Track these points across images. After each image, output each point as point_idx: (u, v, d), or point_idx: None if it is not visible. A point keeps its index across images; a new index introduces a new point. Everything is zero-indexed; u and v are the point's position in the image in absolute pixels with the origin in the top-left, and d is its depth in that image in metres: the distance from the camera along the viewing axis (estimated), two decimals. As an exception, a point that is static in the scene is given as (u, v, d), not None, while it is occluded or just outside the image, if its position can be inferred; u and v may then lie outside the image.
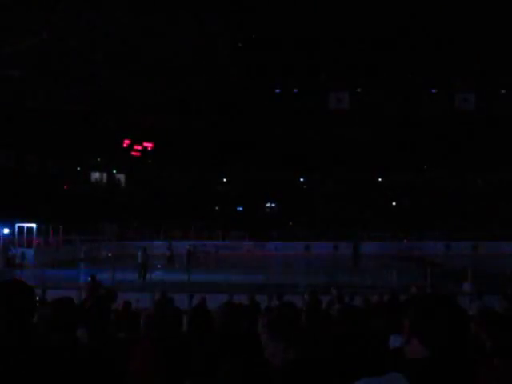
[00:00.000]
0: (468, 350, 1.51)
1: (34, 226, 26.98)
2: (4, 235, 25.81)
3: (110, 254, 24.14)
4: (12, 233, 26.38)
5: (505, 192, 39.05)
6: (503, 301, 7.09)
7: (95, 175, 43.62)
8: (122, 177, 45.43)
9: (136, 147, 42.28)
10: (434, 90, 26.60)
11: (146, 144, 42.55)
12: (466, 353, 1.49)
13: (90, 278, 13.07)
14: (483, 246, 32.80)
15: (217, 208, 42.06)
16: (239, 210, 43.54)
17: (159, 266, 22.61)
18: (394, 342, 3.93)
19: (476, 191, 42.05)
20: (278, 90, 26.91)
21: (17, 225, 26.60)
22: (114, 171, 44.72)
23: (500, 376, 1.86)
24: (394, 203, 43.04)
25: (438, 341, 1.47)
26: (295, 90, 26.91)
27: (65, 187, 38.07)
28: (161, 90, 29.00)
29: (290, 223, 37.56)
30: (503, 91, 26.24)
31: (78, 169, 41.27)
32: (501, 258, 27.17)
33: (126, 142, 41.56)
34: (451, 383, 1.43)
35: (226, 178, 45.40)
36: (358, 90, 26.57)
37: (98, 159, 42.70)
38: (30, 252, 25.84)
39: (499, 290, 9.74)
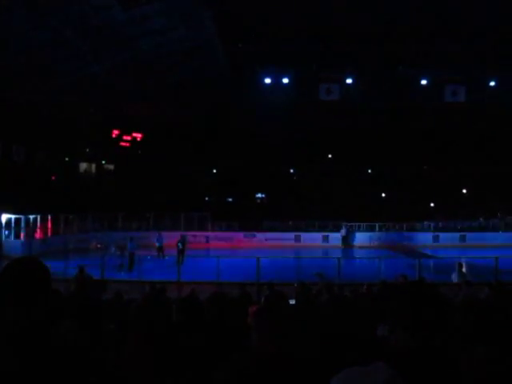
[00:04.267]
0: (451, 338, 1.54)
1: (21, 217, 26.77)
2: None
3: (98, 245, 24.03)
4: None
5: (492, 184, 39.52)
6: (488, 290, 7.22)
7: (84, 166, 43.28)
8: (110, 167, 45.14)
9: (125, 137, 41.99)
10: (423, 82, 26.56)
11: (135, 134, 42.27)
12: (449, 341, 1.51)
13: (78, 270, 13.01)
14: (470, 237, 33.45)
15: (207, 199, 42.01)
16: (229, 201, 43.55)
17: (149, 257, 22.59)
18: (382, 331, 3.98)
19: (463, 183, 42.55)
20: (268, 81, 26.69)
21: (4, 216, 26.37)
22: (103, 162, 44.41)
23: (483, 363, 1.89)
24: (383, 194, 43.36)
25: (419, 330, 1.49)
26: (285, 81, 26.71)
27: (53, 178, 37.70)
28: (150, 80, 28.73)
29: (287, 218, 37.56)
30: (493, 83, 26.26)
31: (67, 159, 40.86)
32: (487, 248, 27.63)
33: (115, 133, 41.24)
34: (434, 371, 1.46)
35: (216, 168, 45.31)
36: (349, 81, 26.43)
37: (87, 150, 42.35)
38: (17, 243, 25.68)
39: (485, 280, 9.92)
